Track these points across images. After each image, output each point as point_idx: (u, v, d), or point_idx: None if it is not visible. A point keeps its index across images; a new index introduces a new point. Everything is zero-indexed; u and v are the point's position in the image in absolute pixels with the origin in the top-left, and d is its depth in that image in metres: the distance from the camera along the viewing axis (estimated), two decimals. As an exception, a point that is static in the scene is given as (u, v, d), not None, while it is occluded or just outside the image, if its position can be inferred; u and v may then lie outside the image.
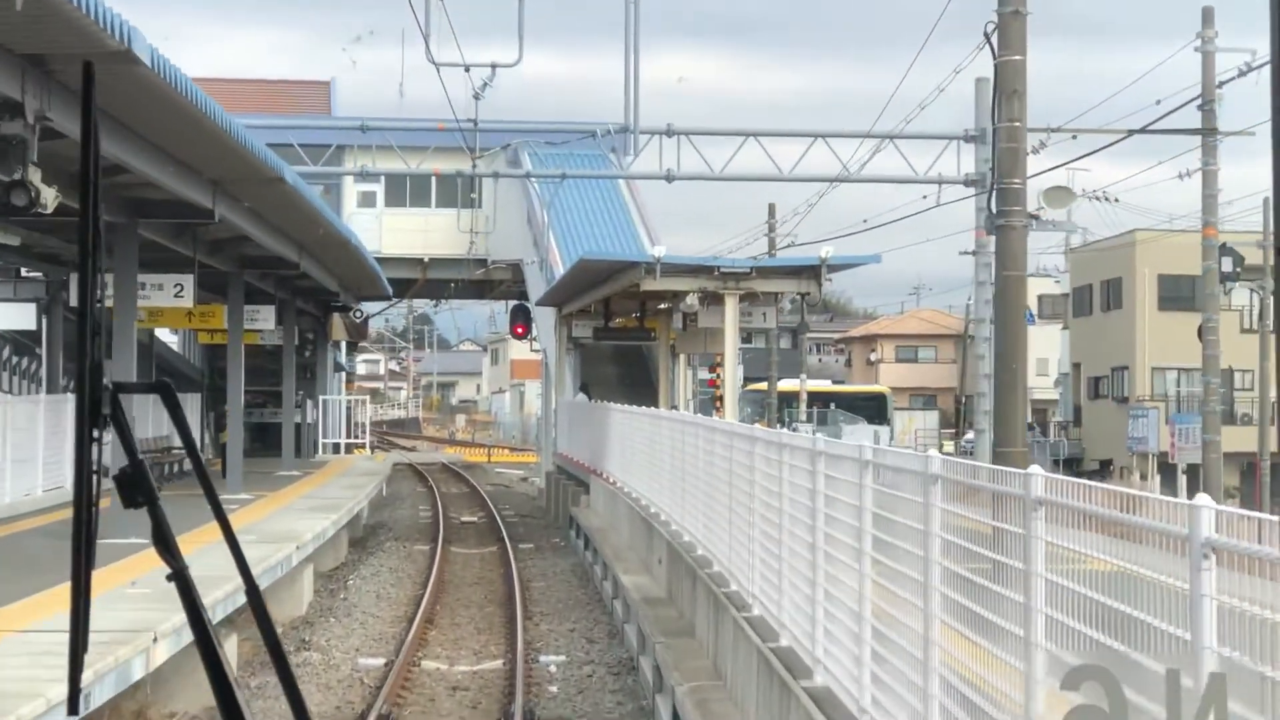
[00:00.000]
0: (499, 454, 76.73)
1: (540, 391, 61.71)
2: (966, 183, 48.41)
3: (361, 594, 28.81)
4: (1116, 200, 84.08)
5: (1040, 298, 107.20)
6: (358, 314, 41.14)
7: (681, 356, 45.81)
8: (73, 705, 2.78)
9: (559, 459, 46.10)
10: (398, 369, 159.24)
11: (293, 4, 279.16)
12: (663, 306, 41.40)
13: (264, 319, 31.93)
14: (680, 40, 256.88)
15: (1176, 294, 72.93)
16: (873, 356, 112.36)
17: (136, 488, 2.67)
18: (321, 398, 43.33)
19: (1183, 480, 45.05)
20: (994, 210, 18.53)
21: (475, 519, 43.97)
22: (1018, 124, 18.12)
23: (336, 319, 42.76)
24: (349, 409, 60.65)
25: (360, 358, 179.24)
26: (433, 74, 49.71)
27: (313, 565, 29.17)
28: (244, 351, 44.75)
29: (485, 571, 32.71)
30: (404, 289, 61.53)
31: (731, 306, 33.77)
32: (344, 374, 55.68)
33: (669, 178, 47.32)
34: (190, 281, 23.56)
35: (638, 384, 52.18)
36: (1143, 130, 33.01)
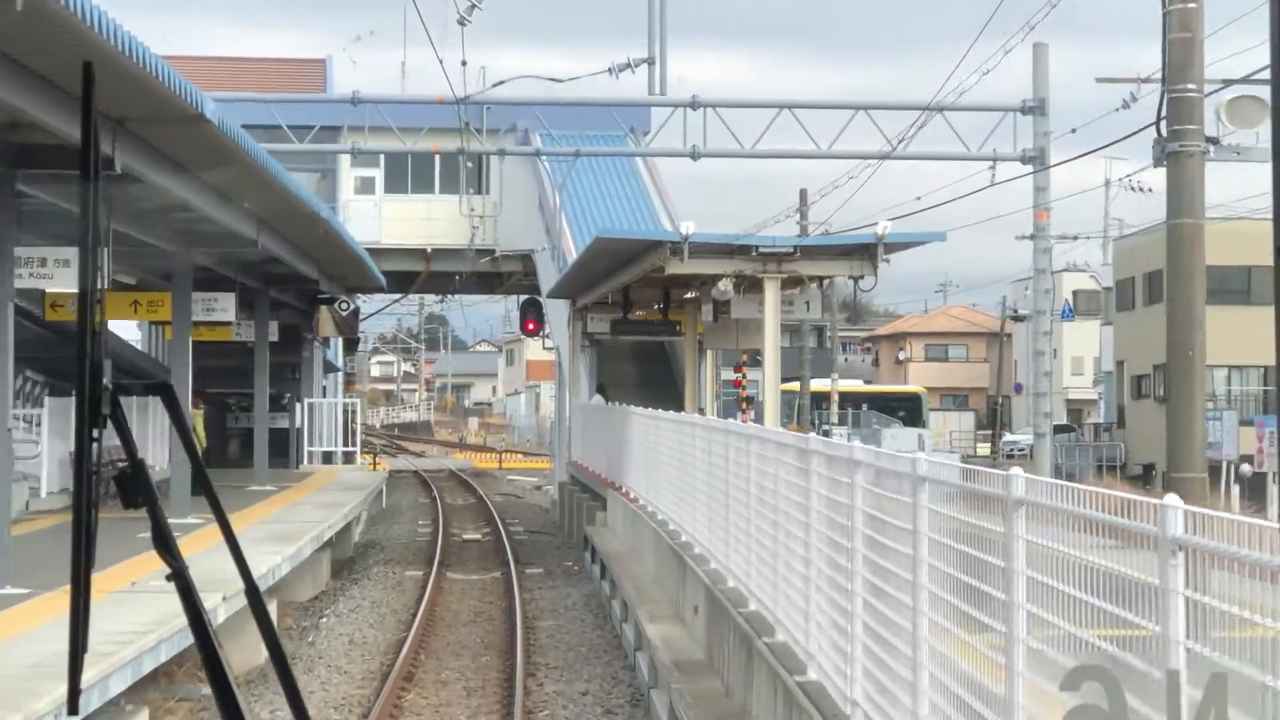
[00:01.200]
0: (511, 460, 71.38)
1: (555, 393, 56.49)
2: (1024, 159, 43.34)
3: (333, 638, 23.65)
4: (1150, 190, 78.48)
5: (1076, 293, 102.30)
6: (343, 305, 35.85)
7: (709, 354, 40.52)
8: (73, 705, 2.76)
9: (573, 468, 40.89)
10: (413, 371, 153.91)
11: (311, 6, 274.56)
12: (690, 296, 36.15)
13: (223, 308, 26.70)
14: (703, 41, 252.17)
15: (1226, 286, 67.37)
16: (901, 355, 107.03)
17: (136, 488, 2.67)
18: (307, 400, 38.13)
19: (1274, 490, 39.55)
20: (1162, 133, 13.36)
21: (479, 536, 38.77)
22: (1193, 4, 12.97)
23: (324, 313, 37.61)
24: (347, 412, 55.83)
25: (374, 359, 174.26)
26: (437, 75, 44.38)
27: (277, 599, 24.26)
28: (223, 349, 39.70)
29: (485, 605, 27.51)
30: (407, 283, 56.39)
31: (772, 293, 28.56)
32: (338, 374, 50.42)
33: (694, 155, 42.07)
34: (104, 256, 18.34)
35: (659, 384, 46.95)
36: (1246, 79, 27.58)
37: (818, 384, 65.59)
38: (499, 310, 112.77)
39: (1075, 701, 5.13)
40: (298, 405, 41.63)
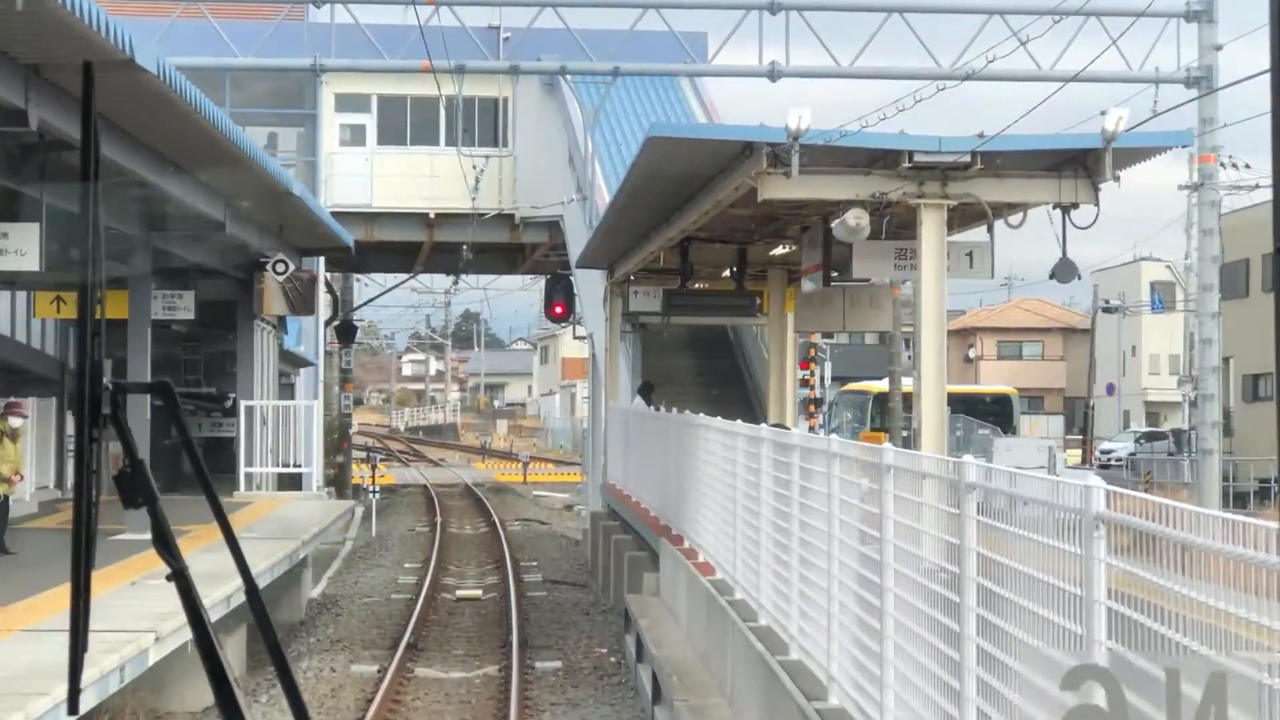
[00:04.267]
0: (539, 470, 59.50)
1: (588, 394, 44.81)
2: (1188, 82, 32.16)
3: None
4: (1248, 167, 66.32)
5: (1154, 285, 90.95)
6: (280, 266, 24.35)
7: (790, 342, 28.71)
8: (73, 705, 2.74)
9: (610, 494, 29.36)
10: (443, 370, 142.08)
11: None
12: (779, 252, 24.52)
13: (19, 248, 15.10)
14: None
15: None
16: (971, 353, 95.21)
17: (136, 488, 2.60)
18: (244, 403, 26.72)
19: None
20: None
21: (479, 593, 27.19)
22: None
23: (268, 282, 26.27)
24: (337, 417, 44.83)
25: (406, 357, 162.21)
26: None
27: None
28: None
29: (460, 745, 16.09)
30: (409, 258, 45.05)
31: (934, 228, 17.11)
32: (314, 368, 38.92)
33: (772, 74, 30.58)
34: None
35: (723, 383, 35.45)
36: None
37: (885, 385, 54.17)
38: (536, 306, 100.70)
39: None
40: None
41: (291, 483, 29.71)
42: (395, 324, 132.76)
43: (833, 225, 17.36)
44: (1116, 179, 17.20)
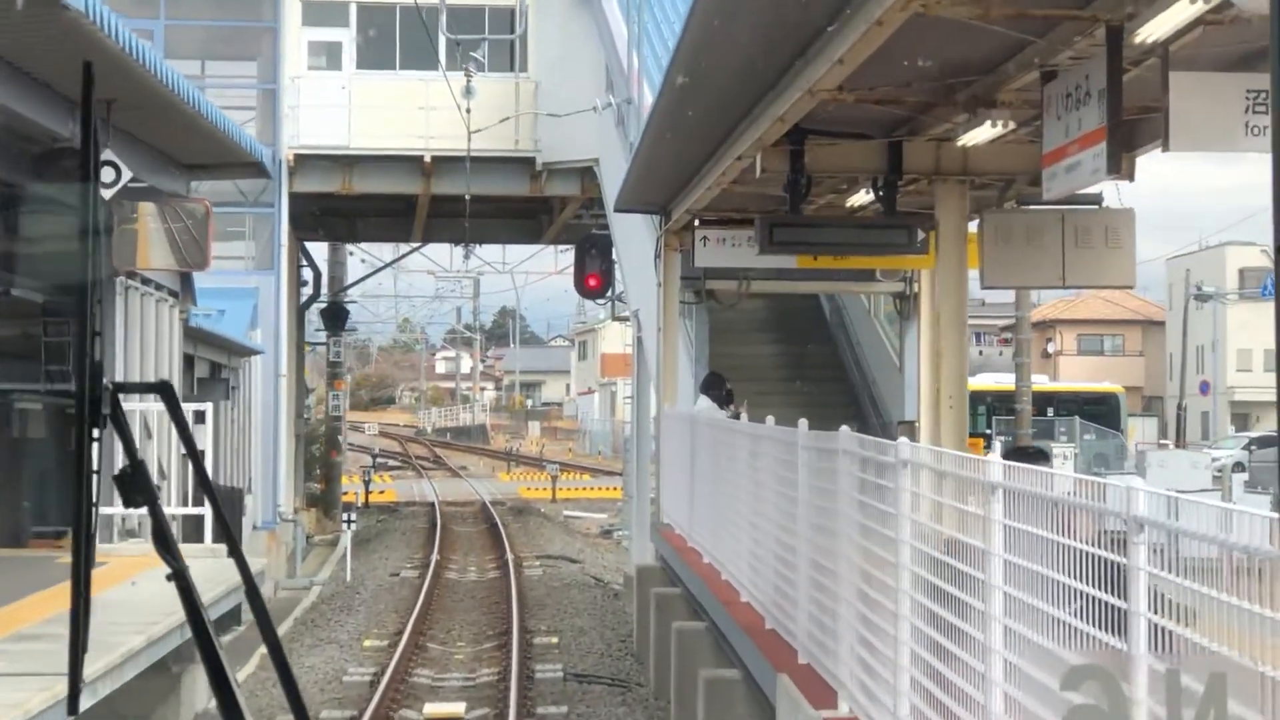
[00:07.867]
0: (570, 484, 48.90)
1: (631, 391, 34.24)
2: None
3: None
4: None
5: (1243, 272, 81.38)
6: (115, 171, 14.20)
7: (935, 303, 17.84)
8: (73, 705, 2.66)
9: (666, 542, 18.88)
10: (477, 366, 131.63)
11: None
12: (974, 141, 13.71)
13: None
14: None
15: None
16: (1050, 347, 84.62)
17: (136, 488, 2.55)
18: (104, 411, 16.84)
19: None
20: None
21: (461, 708, 16.72)
22: None
23: (143, 221, 16.12)
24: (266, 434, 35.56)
25: (439, 354, 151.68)
26: None
27: None
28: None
29: None
30: (405, 223, 34.87)
31: None
32: (265, 357, 28.55)
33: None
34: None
35: (813, 375, 25.06)
36: None
37: (987, 380, 44.08)
38: (573, 294, 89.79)
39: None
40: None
41: (226, 527, 19.31)
42: (421, 315, 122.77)
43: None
44: None
